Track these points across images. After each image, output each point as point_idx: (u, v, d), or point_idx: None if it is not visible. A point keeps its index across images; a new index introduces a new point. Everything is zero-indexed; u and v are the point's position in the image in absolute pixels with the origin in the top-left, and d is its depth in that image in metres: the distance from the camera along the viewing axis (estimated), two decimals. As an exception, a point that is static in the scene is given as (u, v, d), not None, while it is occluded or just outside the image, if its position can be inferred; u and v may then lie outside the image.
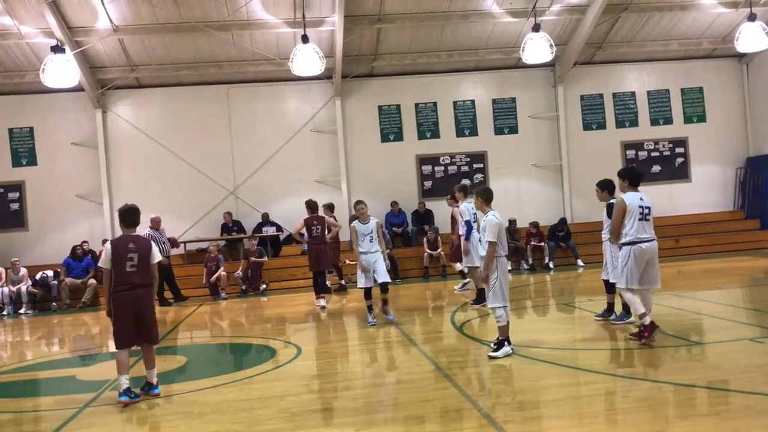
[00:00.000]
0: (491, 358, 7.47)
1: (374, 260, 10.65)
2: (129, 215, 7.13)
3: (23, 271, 17.26)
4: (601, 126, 20.60)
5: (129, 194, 18.77)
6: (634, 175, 8.06)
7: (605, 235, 9.07)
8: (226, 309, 15.17)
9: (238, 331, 12.12)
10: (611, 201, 8.83)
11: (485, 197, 7.91)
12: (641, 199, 7.84)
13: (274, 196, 19.26)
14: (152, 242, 7.27)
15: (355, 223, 10.88)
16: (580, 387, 6.41)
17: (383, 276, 10.64)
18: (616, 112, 20.63)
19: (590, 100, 20.59)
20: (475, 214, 12.51)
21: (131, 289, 6.86)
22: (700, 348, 7.73)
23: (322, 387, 7.14)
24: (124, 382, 6.74)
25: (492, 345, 7.72)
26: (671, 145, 20.73)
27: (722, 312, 9.88)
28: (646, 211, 7.78)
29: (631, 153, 20.59)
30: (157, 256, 7.05)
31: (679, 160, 20.77)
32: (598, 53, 19.97)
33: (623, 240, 7.82)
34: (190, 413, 6.34)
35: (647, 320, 7.67)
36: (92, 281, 16.98)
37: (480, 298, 12.11)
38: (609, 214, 8.67)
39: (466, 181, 19.52)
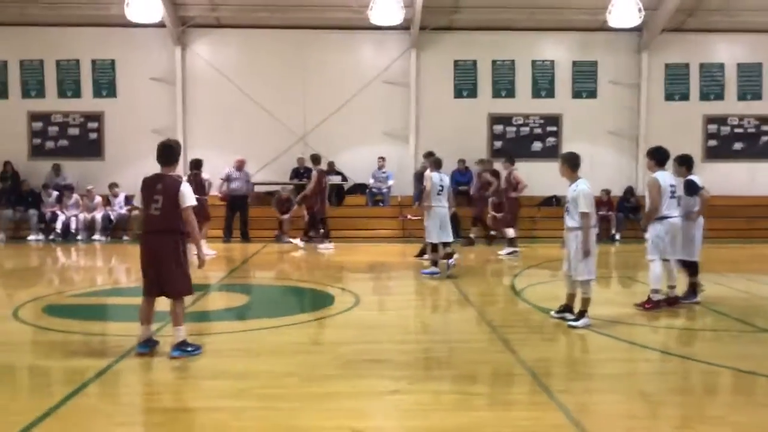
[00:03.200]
0: (572, 327, 7.34)
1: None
2: (160, 151, 6.36)
3: (98, 198, 17.92)
4: (684, 97, 19.81)
5: (202, 132, 19.24)
6: (661, 155, 8.37)
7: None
8: (289, 252, 15.46)
9: (299, 275, 12.35)
10: (689, 177, 8.73)
11: (572, 164, 7.41)
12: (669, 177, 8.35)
13: (342, 145, 19.33)
14: (184, 184, 6.27)
15: (433, 173, 11.16)
16: (639, 363, 6.30)
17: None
18: (701, 83, 19.79)
19: (675, 70, 19.78)
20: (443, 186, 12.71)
21: (152, 233, 6.31)
22: (767, 335, 7.49)
23: (377, 338, 7.21)
24: (143, 332, 6.34)
25: (560, 314, 7.75)
26: (758, 122, 19.82)
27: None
28: (673, 188, 8.25)
29: (713, 128, 19.79)
30: (188, 200, 6.20)
31: (765, 138, 19.85)
32: (689, 20, 19.05)
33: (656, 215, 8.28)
34: (250, 351, 6.51)
35: (657, 297, 8.27)
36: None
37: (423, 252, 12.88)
38: (687, 191, 8.64)
39: (537, 144, 19.26)
